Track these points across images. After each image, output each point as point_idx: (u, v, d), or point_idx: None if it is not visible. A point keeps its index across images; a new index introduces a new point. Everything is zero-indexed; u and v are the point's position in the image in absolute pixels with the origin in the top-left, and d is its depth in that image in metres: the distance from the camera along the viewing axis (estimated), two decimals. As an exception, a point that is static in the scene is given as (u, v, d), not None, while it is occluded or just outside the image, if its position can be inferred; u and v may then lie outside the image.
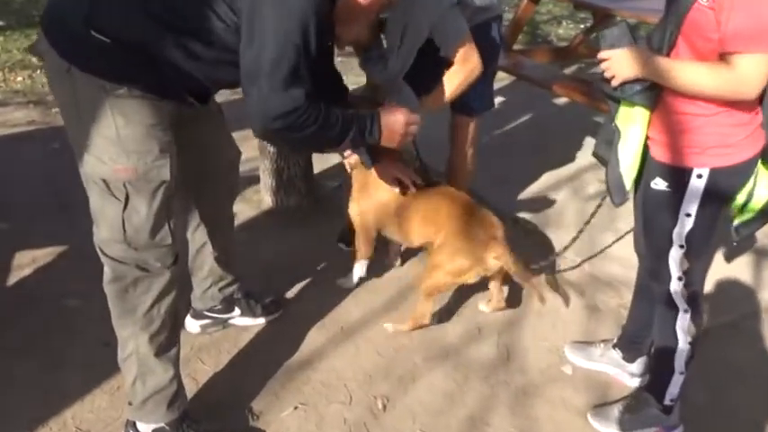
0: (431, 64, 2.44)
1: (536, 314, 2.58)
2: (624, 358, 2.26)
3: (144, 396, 1.84)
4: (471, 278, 2.30)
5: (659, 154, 1.77)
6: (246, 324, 2.42)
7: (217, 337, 2.37)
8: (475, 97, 2.59)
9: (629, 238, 2.16)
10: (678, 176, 1.72)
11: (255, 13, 1.50)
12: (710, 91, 1.58)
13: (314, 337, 2.40)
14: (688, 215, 1.74)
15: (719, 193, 1.72)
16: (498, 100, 4.81)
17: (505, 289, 2.54)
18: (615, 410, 2.09)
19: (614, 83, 1.72)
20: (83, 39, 1.53)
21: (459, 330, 2.48)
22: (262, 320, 2.44)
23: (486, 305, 2.55)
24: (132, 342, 1.80)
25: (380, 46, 2.26)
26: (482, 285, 2.49)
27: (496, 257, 2.23)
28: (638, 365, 2.25)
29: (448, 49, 2.34)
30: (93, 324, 2.36)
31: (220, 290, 2.32)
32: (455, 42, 2.31)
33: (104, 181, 1.63)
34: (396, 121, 1.86)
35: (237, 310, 2.39)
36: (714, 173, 1.67)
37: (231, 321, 2.40)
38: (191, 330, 2.36)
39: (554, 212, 3.30)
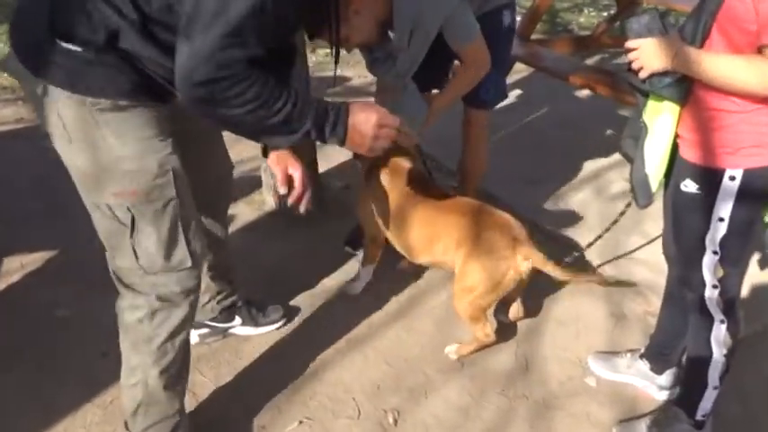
0: (438, 61, 2.46)
1: (557, 322, 2.57)
2: (652, 369, 2.24)
3: (145, 425, 1.84)
4: (509, 286, 2.27)
5: (689, 153, 1.75)
6: (248, 334, 2.42)
7: (216, 347, 2.38)
8: (488, 88, 2.60)
9: (658, 240, 2.15)
10: (710, 178, 1.70)
11: None
12: (746, 86, 1.55)
13: (319, 347, 2.40)
14: (721, 219, 1.71)
15: (754, 196, 1.69)
16: (515, 93, 4.82)
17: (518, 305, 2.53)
18: (642, 426, 2.07)
19: (642, 75, 1.70)
20: (51, 50, 1.45)
21: (475, 340, 2.48)
22: (264, 330, 2.44)
23: (505, 317, 2.53)
24: (141, 372, 1.79)
25: (387, 45, 2.27)
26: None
27: (526, 258, 2.20)
28: (667, 377, 2.23)
29: (458, 46, 2.37)
30: (85, 334, 2.38)
31: (219, 302, 2.32)
32: (465, 39, 2.35)
33: (108, 206, 1.59)
34: (366, 120, 1.53)
35: (238, 319, 2.40)
36: (748, 174, 1.65)
37: (231, 331, 2.41)
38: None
39: (576, 214, 3.28)
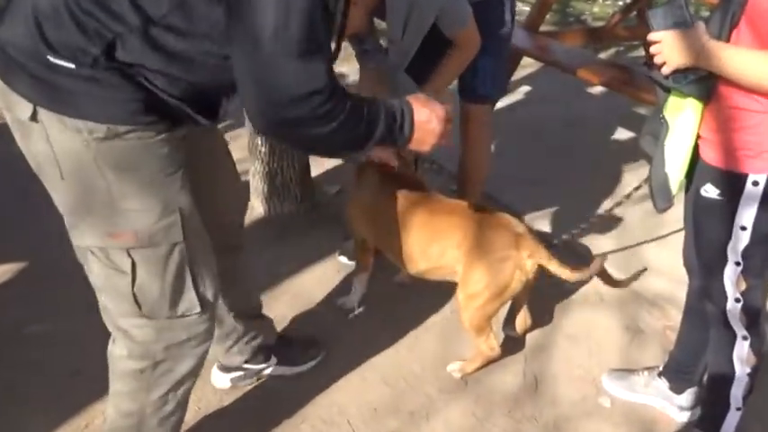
0: (431, 50, 2.50)
1: (567, 337, 2.58)
2: (671, 389, 2.24)
3: None
4: (516, 288, 2.27)
5: (710, 156, 1.76)
6: (285, 374, 2.34)
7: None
8: (485, 81, 2.62)
9: (677, 249, 2.15)
10: (732, 183, 1.70)
11: None
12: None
13: (312, 367, 2.40)
14: (743, 228, 1.72)
15: None
16: (523, 90, 4.83)
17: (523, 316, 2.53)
18: None
19: (665, 70, 1.70)
20: (39, 66, 1.35)
21: (480, 357, 2.48)
22: (303, 369, 2.37)
23: (512, 329, 2.53)
24: (136, 419, 1.73)
25: (375, 36, 2.30)
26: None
27: (531, 255, 2.21)
28: (687, 397, 2.23)
29: (451, 32, 2.41)
30: (56, 353, 2.37)
31: (247, 343, 2.22)
32: (461, 25, 2.40)
33: (102, 250, 1.50)
34: (432, 118, 1.55)
35: (274, 359, 2.31)
36: None
37: (266, 372, 2.32)
38: (219, 386, 2.29)
39: (586, 219, 3.27)
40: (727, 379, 1.92)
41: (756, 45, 1.58)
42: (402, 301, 2.73)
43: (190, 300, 1.60)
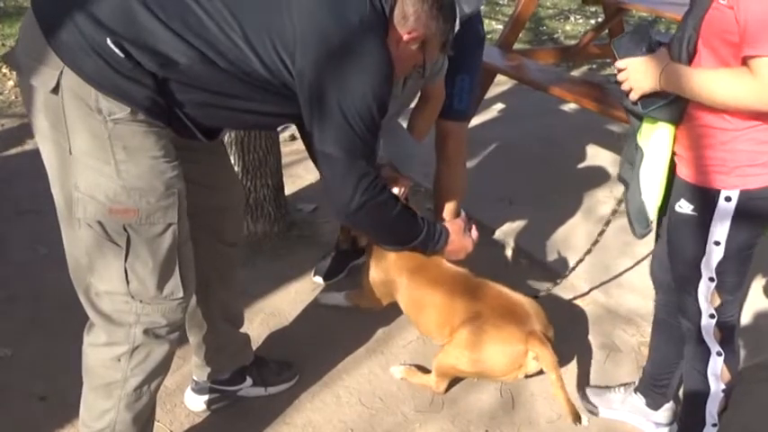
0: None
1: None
2: (648, 405, 2.25)
3: None
4: (506, 380, 2.29)
5: (684, 173, 1.78)
6: (260, 395, 2.32)
7: (172, 389, 2.34)
8: (462, 98, 2.66)
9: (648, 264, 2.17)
10: (705, 199, 1.73)
11: (323, 82, 1.59)
12: (734, 102, 1.57)
13: (287, 387, 2.37)
14: (717, 243, 1.73)
15: (753, 219, 1.72)
16: (497, 107, 4.87)
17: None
18: None
19: (633, 96, 1.75)
20: (93, 44, 1.47)
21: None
22: (275, 390, 2.34)
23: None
24: (110, 416, 1.76)
25: None
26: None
27: (536, 358, 2.16)
28: (664, 414, 2.24)
29: (430, 83, 2.53)
30: (23, 377, 2.32)
31: (226, 357, 2.22)
32: (438, 77, 2.51)
33: (100, 224, 1.58)
34: (461, 248, 2.18)
35: (249, 380, 2.30)
36: (745, 195, 1.67)
37: (240, 393, 2.30)
38: (192, 408, 2.26)
39: (562, 236, 3.30)
40: (702, 395, 1.93)
41: (716, 64, 1.62)
42: (378, 321, 2.71)
43: (175, 283, 1.69)
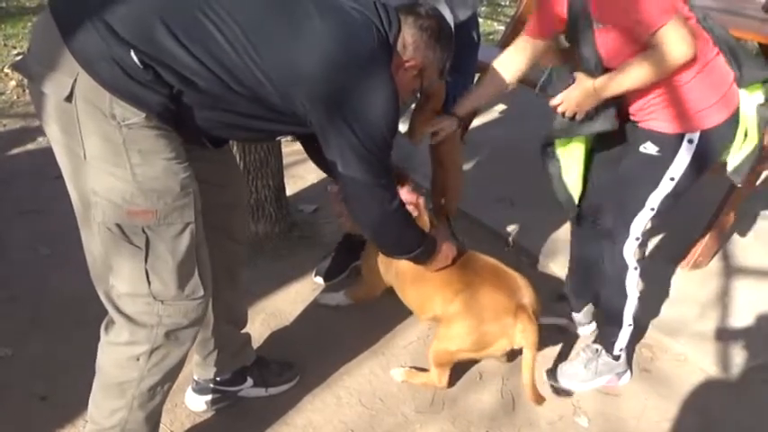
0: None
1: (545, 357, 2.57)
2: (572, 308, 2.67)
3: None
4: (495, 354, 2.29)
5: (652, 124, 2.07)
6: (260, 395, 2.33)
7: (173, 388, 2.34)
8: (457, 98, 2.64)
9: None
10: (670, 142, 2.05)
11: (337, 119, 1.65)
12: (662, 73, 1.90)
13: (287, 388, 2.37)
14: (672, 179, 2.08)
15: (705, 157, 2.06)
16: (499, 108, 4.87)
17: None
18: (579, 365, 2.43)
19: (579, 117, 2.10)
20: (113, 52, 1.48)
21: (457, 376, 2.46)
22: (276, 391, 2.34)
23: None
24: (121, 415, 1.78)
25: None
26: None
27: (523, 331, 2.16)
28: (585, 314, 2.66)
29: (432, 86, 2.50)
30: (24, 377, 2.33)
31: (228, 356, 2.22)
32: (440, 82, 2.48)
33: (119, 226, 1.60)
34: (446, 258, 2.24)
35: (250, 380, 2.31)
36: (704, 135, 2.02)
37: (241, 394, 2.31)
38: (193, 408, 2.26)
39: (563, 237, 3.29)
40: (620, 303, 2.33)
41: (624, 40, 1.93)
42: (379, 322, 2.71)
43: (196, 281, 1.72)
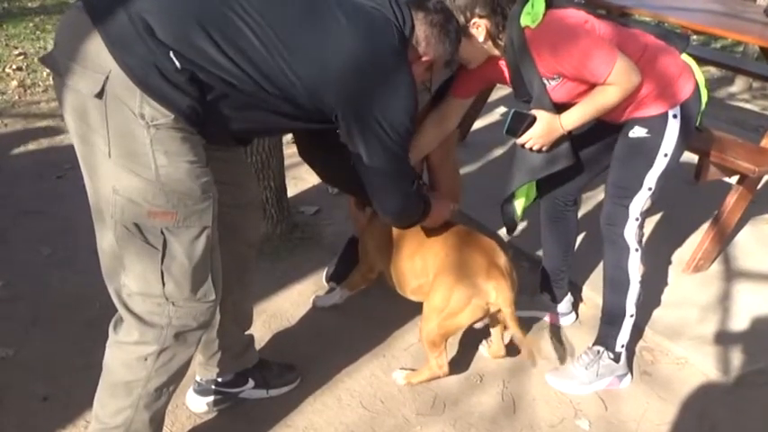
0: None
1: (545, 359, 2.57)
2: (552, 299, 2.73)
3: None
4: (473, 315, 2.27)
5: (631, 115, 2.20)
6: (261, 397, 2.33)
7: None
8: None
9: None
10: (657, 122, 2.17)
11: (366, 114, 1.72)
12: (619, 101, 2.07)
13: (288, 389, 2.37)
14: (665, 155, 2.18)
15: (690, 124, 2.19)
16: (500, 111, 4.87)
17: (507, 336, 2.52)
18: (579, 367, 2.43)
19: (546, 148, 2.22)
20: (154, 51, 1.49)
21: (458, 378, 2.47)
22: (277, 393, 2.34)
23: (487, 349, 2.55)
24: (126, 415, 1.78)
25: None
26: (484, 326, 2.47)
27: (496, 288, 2.20)
28: (566, 304, 2.74)
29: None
30: (25, 377, 2.32)
31: (230, 357, 2.22)
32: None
33: (137, 226, 1.60)
34: (440, 215, 2.32)
35: (251, 381, 2.31)
36: (684, 106, 2.15)
37: (242, 395, 2.30)
38: (194, 410, 2.25)
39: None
40: (624, 289, 2.34)
41: (578, 85, 2.09)
42: (379, 323, 2.71)
43: (209, 285, 1.73)
